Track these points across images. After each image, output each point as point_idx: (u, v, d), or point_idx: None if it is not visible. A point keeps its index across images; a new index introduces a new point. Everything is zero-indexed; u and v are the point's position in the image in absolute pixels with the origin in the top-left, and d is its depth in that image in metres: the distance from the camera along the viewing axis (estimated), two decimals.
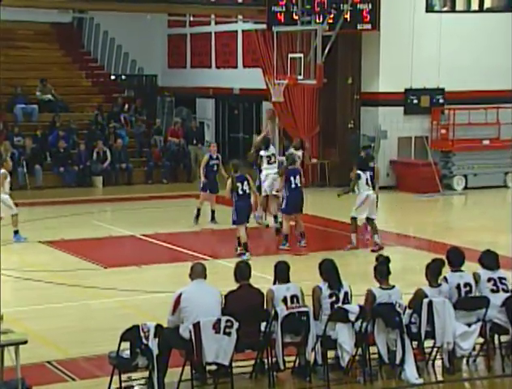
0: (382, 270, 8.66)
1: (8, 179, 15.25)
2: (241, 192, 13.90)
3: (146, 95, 28.73)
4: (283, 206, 14.87)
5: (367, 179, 14.68)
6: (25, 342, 7.70)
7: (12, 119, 24.28)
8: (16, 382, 7.67)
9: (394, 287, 8.64)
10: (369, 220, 14.80)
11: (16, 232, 15.35)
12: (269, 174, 16.17)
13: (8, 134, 23.27)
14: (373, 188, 14.74)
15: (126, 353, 7.76)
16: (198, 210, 16.91)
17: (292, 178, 14.67)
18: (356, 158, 16.11)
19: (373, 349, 8.55)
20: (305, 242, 14.91)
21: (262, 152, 16.45)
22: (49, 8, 24.08)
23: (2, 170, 15.15)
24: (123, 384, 7.86)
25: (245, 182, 13.97)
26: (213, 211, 17.18)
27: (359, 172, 14.76)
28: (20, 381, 7.69)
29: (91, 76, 27.92)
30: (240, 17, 25.29)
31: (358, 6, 21.12)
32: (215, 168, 16.98)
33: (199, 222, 16.86)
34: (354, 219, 14.79)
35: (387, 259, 8.71)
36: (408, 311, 8.61)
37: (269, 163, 16.28)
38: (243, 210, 14.01)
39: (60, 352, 9.39)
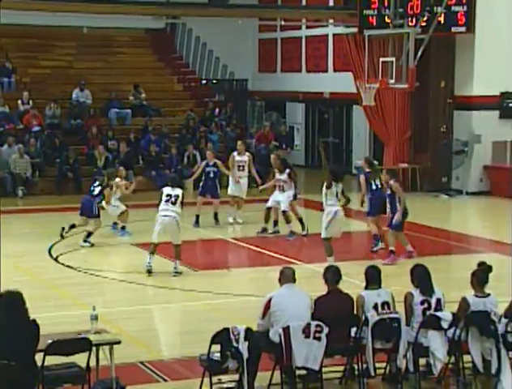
0: (481, 277, 8.44)
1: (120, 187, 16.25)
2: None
3: (236, 99, 28.95)
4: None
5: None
6: (118, 342, 7.86)
7: (107, 123, 24.86)
8: (111, 381, 7.83)
9: (489, 295, 8.44)
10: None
11: (123, 227, 16.48)
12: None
13: (102, 138, 23.83)
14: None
15: (217, 356, 7.82)
16: (197, 216, 17.27)
17: None
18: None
19: (466, 358, 8.37)
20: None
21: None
22: (144, 15, 24.54)
23: (117, 179, 16.16)
24: (214, 386, 7.91)
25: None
26: (215, 214, 17.53)
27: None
28: (115, 380, 7.85)
29: (183, 81, 28.33)
30: (331, 21, 25.20)
31: (452, 8, 20.75)
32: (212, 174, 17.55)
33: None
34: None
35: (489, 268, 8.49)
36: (504, 320, 8.38)
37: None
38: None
39: (152, 353, 9.54)
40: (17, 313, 6.77)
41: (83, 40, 27.26)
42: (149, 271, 13.19)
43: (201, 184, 17.70)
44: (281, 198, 16.28)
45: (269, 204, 16.48)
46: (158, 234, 13.23)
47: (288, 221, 16.35)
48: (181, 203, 13.28)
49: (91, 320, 7.94)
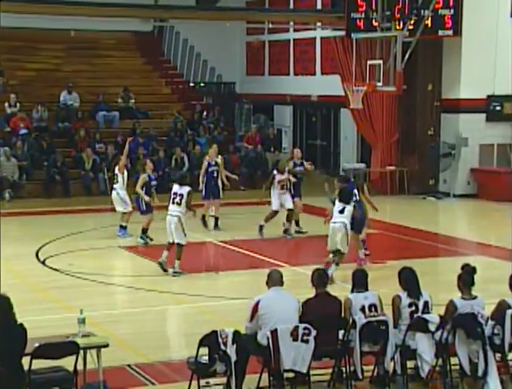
0: (467, 279, 8.47)
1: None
2: None
3: (224, 102, 28.95)
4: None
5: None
6: (106, 345, 7.84)
7: (94, 126, 24.81)
8: (98, 385, 7.81)
9: (476, 297, 8.47)
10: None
11: (124, 227, 16.26)
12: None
13: (90, 140, 23.77)
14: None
15: (205, 359, 7.81)
16: (204, 216, 17.20)
17: None
18: None
19: (454, 360, 8.39)
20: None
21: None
22: (132, 17, 24.52)
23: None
24: None
25: None
26: (216, 218, 17.37)
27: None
28: (102, 384, 7.83)
29: (171, 83, 28.31)
30: (318, 24, 25.26)
31: (440, 11, 20.83)
32: (216, 174, 17.35)
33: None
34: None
35: (474, 270, 8.52)
36: (491, 322, 8.41)
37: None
38: None
39: (140, 356, 9.51)
40: (4, 317, 6.74)
41: (70, 43, 27.20)
42: (160, 264, 13.41)
43: (204, 186, 17.27)
44: (288, 199, 16.45)
45: (277, 207, 16.46)
46: (168, 234, 13.43)
47: (289, 220, 16.58)
48: (188, 202, 13.34)
49: (79, 323, 7.92)
